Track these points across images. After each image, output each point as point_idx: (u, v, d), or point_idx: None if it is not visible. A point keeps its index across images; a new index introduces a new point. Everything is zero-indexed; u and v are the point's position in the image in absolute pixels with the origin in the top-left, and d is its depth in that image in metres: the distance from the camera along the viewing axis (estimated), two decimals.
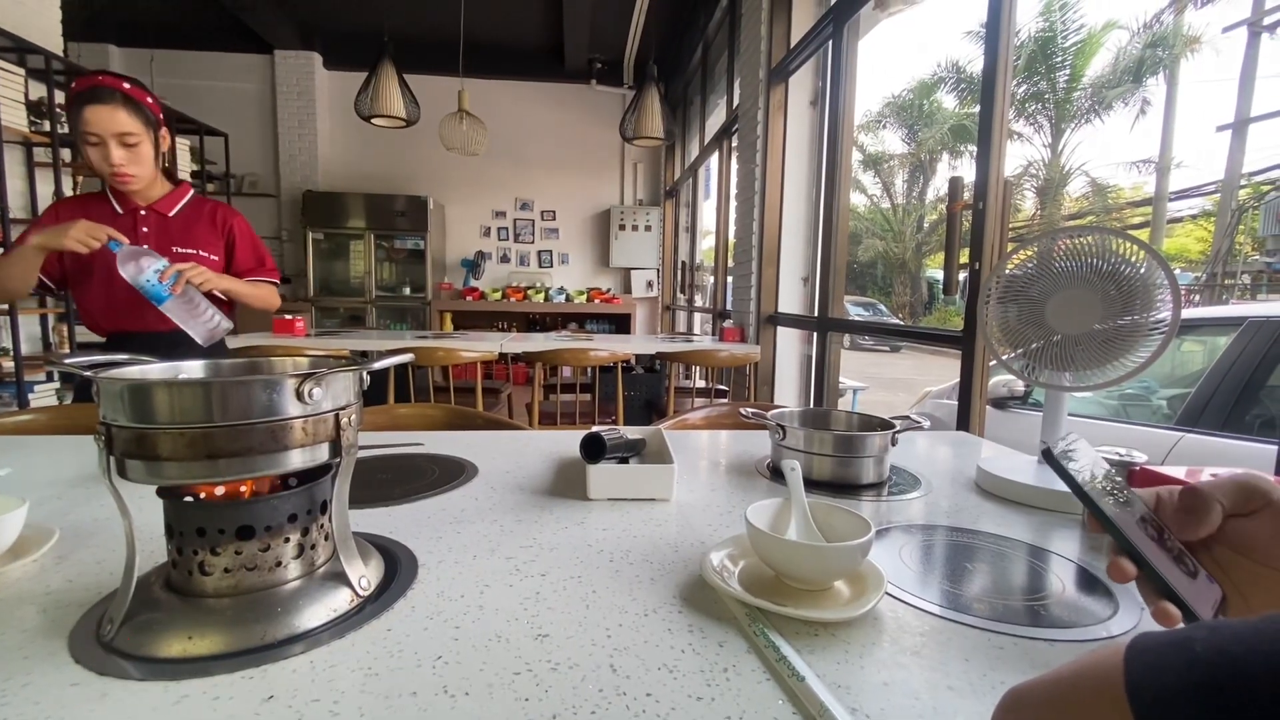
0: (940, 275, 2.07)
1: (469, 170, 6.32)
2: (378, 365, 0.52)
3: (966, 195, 1.79)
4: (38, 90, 3.20)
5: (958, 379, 4.07)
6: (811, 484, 0.86)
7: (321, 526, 0.54)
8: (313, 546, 0.52)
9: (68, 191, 3.45)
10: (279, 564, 0.50)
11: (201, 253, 1.54)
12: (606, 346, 3.04)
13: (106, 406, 0.45)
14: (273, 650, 0.45)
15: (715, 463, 1.00)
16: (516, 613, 0.51)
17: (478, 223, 6.63)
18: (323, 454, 0.50)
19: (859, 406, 5.35)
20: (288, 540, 0.50)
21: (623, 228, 6.61)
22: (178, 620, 0.46)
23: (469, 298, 6.16)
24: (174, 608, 0.47)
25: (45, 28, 3.24)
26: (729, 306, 4.00)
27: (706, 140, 5.10)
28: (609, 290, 6.62)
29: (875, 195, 19.75)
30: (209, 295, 1.44)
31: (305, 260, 5.80)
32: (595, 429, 0.82)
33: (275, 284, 1.70)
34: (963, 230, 1.80)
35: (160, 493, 0.49)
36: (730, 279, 4.24)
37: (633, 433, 0.93)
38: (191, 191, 1.60)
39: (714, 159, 5.01)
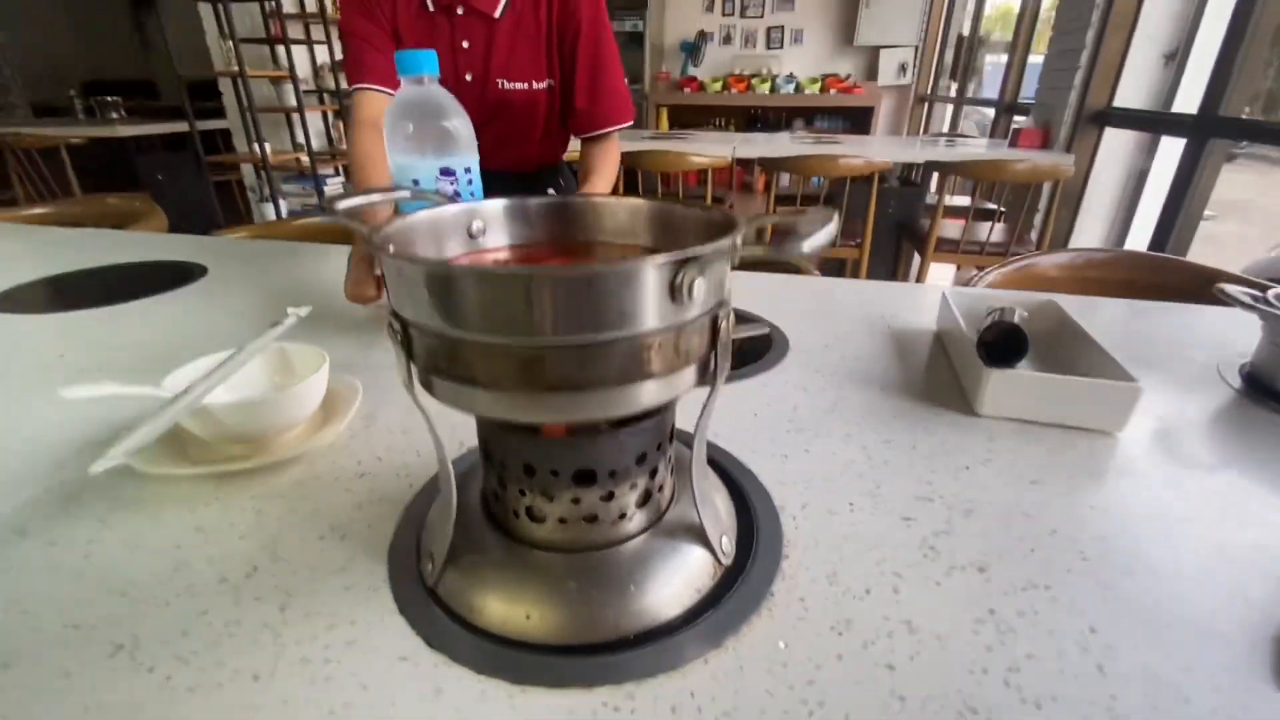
0: None
1: None
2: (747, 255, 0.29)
3: None
4: None
5: None
6: None
7: (669, 461, 0.37)
8: (660, 488, 0.36)
9: None
10: (623, 515, 0.35)
11: (535, 85, 0.99)
12: (860, 153, 2.52)
13: (397, 295, 0.29)
14: (631, 656, 0.31)
15: (1136, 353, 0.67)
16: (975, 653, 0.32)
17: None
18: (688, 380, 0.31)
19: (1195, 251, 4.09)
20: (634, 486, 0.34)
21: None
22: (511, 585, 0.34)
23: (687, 89, 5.59)
24: (499, 555, 0.35)
25: None
26: (1031, 98, 3.04)
27: None
28: (848, 77, 5.54)
29: None
30: None
31: None
32: (997, 312, 0.54)
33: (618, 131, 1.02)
34: None
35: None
36: (1039, 58, 3.19)
37: (1018, 304, 0.62)
38: None
39: None
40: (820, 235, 0.26)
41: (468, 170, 0.59)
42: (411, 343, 0.29)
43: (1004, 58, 3.86)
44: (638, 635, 0.32)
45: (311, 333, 0.67)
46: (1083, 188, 2.58)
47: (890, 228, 3.06)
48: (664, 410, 0.34)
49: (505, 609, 0.33)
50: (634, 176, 2.83)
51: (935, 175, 2.89)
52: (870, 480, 0.45)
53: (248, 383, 0.51)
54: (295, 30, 3.26)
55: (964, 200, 3.60)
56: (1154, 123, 2.36)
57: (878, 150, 2.62)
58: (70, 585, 0.36)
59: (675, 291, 0.27)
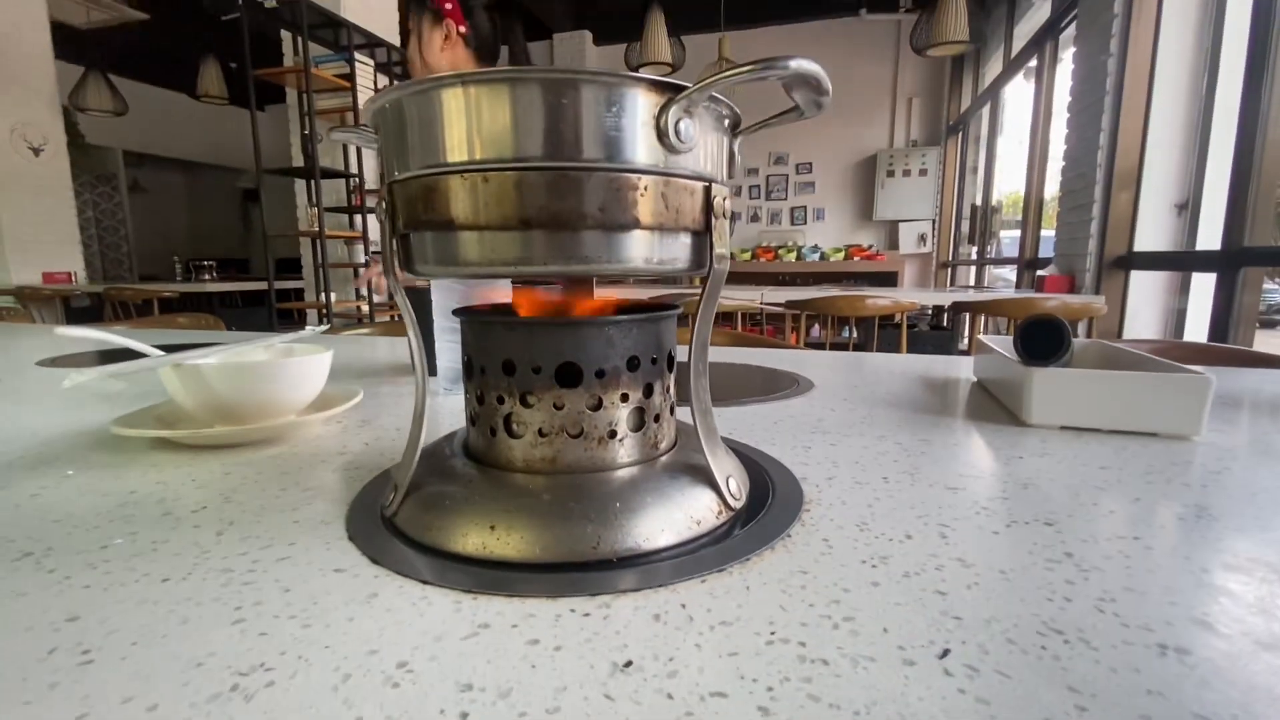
0: None
1: None
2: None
3: None
4: (382, 80, 3.83)
5: None
6: None
7: (667, 391, 0.33)
8: (655, 418, 0.32)
9: None
10: (612, 434, 0.31)
11: None
12: (888, 295, 2.60)
13: (386, 156, 0.29)
14: (614, 571, 0.26)
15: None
16: (1054, 585, 0.25)
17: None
18: (681, 251, 0.29)
19: None
20: (625, 398, 0.31)
21: (891, 174, 5.81)
22: (476, 499, 0.29)
23: None
24: (472, 481, 0.31)
25: (390, 25, 3.85)
26: (1052, 252, 3.16)
27: (1015, 51, 4.13)
28: (870, 246, 5.92)
29: None
30: None
31: None
32: (1038, 313, 0.50)
33: None
34: None
35: (458, 312, 0.33)
36: (1050, 232, 3.37)
37: None
38: None
39: (1018, 80, 4.04)
40: (805, 61, 0.25)
41: None
42: (396, 209, 0.29)
43: (1017, 231, 4.09)
44: (621, 558, 0.27)
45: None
46: (1119, 329, 2.56)
47: None
48: (657, 316, 0.32)
49: (467, 523, 0.28)
50: None
51: (966, 319, 2.92)
52: (907, 464, 0.40)
53: None
54: (373, 200, 3.74)
55: None
56: (1181, 261, 2.39)
57: (905, 294, 2.70)
58: (6, 515, 0.33)
59: (662, 133, 0.26)
